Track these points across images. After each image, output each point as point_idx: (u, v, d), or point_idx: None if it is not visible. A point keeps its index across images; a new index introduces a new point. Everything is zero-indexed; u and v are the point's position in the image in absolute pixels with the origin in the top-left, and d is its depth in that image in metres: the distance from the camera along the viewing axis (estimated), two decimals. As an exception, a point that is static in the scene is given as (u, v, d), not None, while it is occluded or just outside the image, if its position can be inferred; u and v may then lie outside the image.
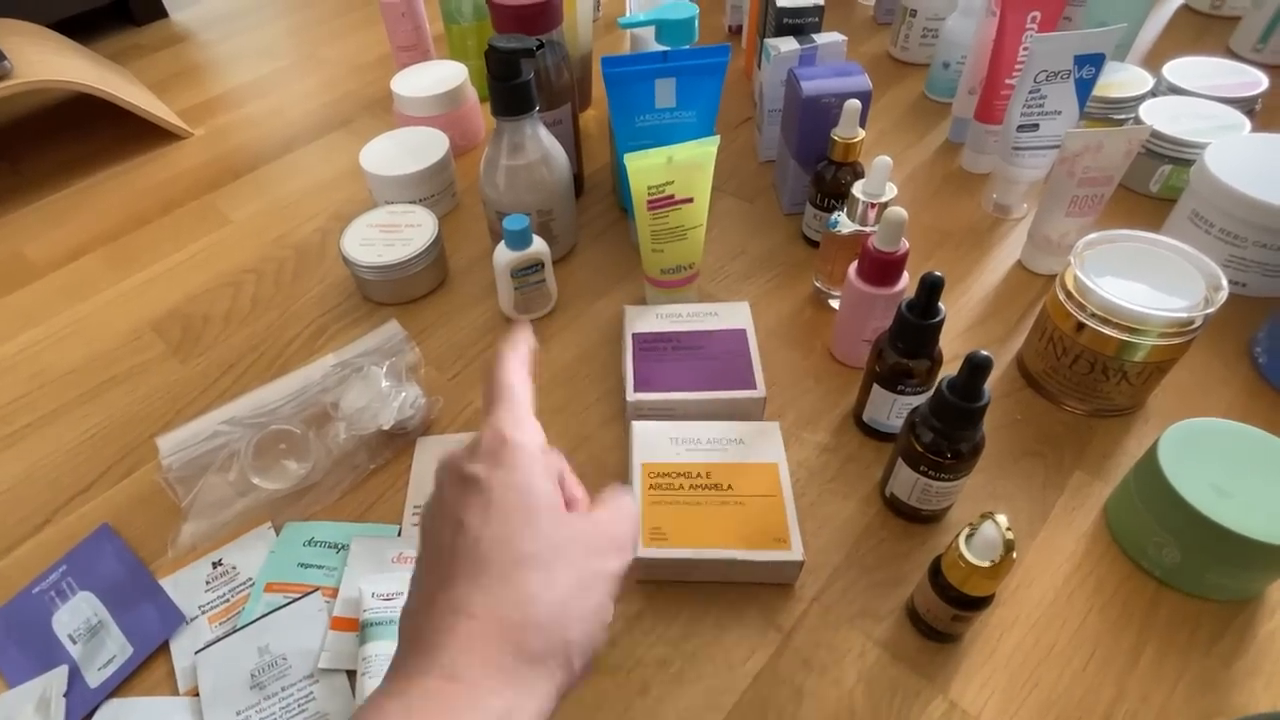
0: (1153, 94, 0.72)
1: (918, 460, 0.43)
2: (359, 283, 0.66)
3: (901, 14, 0.90)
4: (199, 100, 1.00)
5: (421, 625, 0.26)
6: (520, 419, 0.32)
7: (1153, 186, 0.69)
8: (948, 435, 0.42)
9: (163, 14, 1.22)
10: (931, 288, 0.43)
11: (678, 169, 0.54)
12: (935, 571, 0.40)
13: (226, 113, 0.97)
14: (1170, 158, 0.66)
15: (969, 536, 0.37)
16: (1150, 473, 0.42)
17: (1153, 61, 0.87)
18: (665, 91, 0.59)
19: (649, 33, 0.66)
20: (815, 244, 0.68)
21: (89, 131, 0.93)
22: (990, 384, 0.55)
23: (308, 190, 0.81)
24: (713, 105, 0.60)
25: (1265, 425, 0.44)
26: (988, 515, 0.36)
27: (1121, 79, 0.73)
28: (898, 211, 0.48)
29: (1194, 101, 0.69)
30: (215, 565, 0.49)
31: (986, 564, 0.36)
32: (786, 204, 0.72)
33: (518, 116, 0.59)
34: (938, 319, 0.44)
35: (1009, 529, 0.35)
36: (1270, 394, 0.53)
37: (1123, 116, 0.72)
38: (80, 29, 1.14)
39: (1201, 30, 0.93)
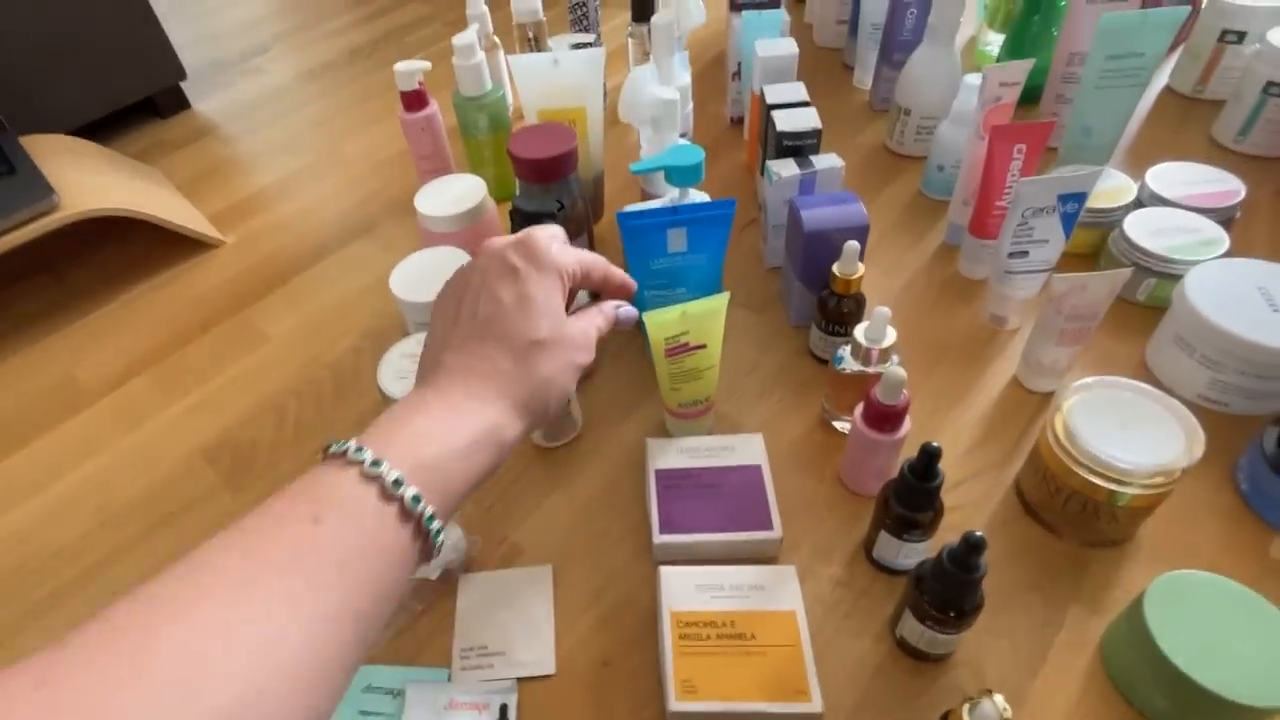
0: (1138, 201, 0.76)
1: (924, 615, 0.47)
2: (395, 411, 0.70)
3: (896, 110, 0.94)
4: (228, 203, 1.05)
5: (452, 362, 0.36)
6: (565, 247, 0.42)
7: (1139, 296, 0.73)
8: (949, 598, 0.46)
9: (186, 105, 1.28)
10: (929, 457, 0.47)
11: (691, 320, 0.58)
12: (943, 731, 0.44)
13: (255, 216, 1.02)
14: (1155, 272, 0.70)
15: (971, 708, 0.41)
16: (1138, 629, 0.46)
17: (1138, 151, 0.92)
18: (677, 239, 0.63)
19: (660, 174, 0.70)
20: (823, 360, 0.72)
21: (127, 239, 0.97)
22: (991, 509, 0.59)
23: (337, 304, 0.86)
24: (721, 249, 0.64)
25: (1250, 554, 0.48)
26: (987, 693, 0.40)
27: (1107, 188, 0.77)
28: (897, 372, 0.52)
29: (1175, 214, 0.73)
30: (281, 713, 0.53)
31: (987, 739, 0.40)
32: (794, 318, 0.76)
33: (542, 266, 0.64)
34: (936, 482, 0.49)
35: (1006, 710, 0.39)
36: (1254, 521, 0.57)
37: (1109, 223, 0.76)
38: (107, 125, 1.19)
39: (1184, 115, 0.97)
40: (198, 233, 0.95)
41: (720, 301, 0.59)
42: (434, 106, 0.92)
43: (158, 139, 1.20)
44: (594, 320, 0.43)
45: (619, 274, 0.47)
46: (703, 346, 0.60)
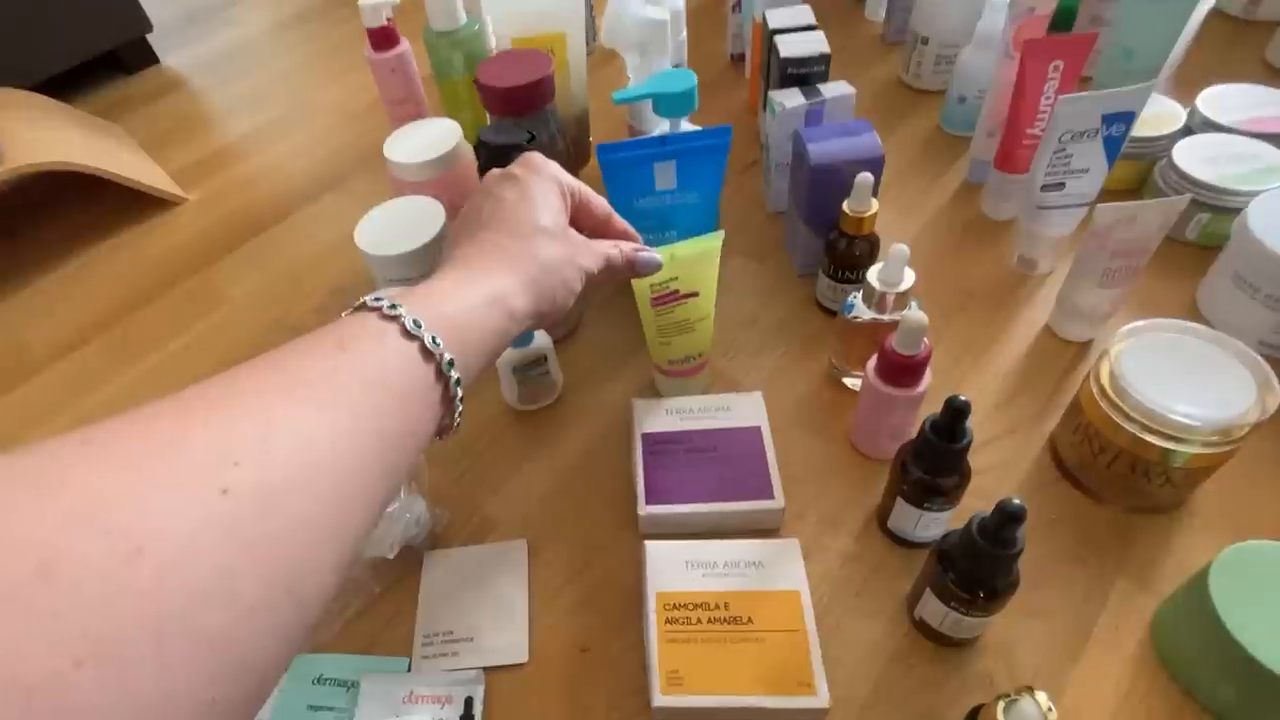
0: (1187, 129, 0.68)
1: (948, 596, 0.41)
2: (359, 374, 0.64)
3: (913, 39, 0.85)
4: (193, 158, 0.98)
5: (460, 252, 0.37)
6: (561, 168, 0.42)
7: (1190, 234, 0.65)
8: (980, 577, 0.39)
9: (154, 60, 1.20)
10: (957, 413, 0.40)
11: (681, 265, 0.51)
12: (972, 731, 0.37)
13: (221, 172, 0.95)
14: (1208, 205, 0.62)
15: (1007, 707, 0.34)
16: (1201, 608, 0.39)
17: (1184, 78, 0.82)
18: (665, 175, 0.56)
19: (648, 102, 0.63)
20: (831, 312, 0.65)
21: (87, 199, 0.91)
22: (1023, 472, 0.52)
23: (304, 262, 0.79)
24: (715, 185, 0.57)
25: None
26: (1027, 690, 0.34)
27: (1153, 114, 0.68)
28: (918, 317, 0.45)
29: (1231, 139, 0.65)
30: (223, 707, 0.47)
31: (1028, 744, 0.33)
32: (799, 265, 0.68)
33: (512, 207, 0.56)
34: (964, 443, 0.42)
35: (1051, 711, 0.33)
36: (1326, 482, 0.49)
37: (1155, 155, 0.68)
38: (71, 83, 1.12)
39: (1234, 38, 0.88)
40: (157, 189, 0.89)
41: (714, 242, 0.52)
42: (405, 45, 0.84)
43: (123, 94, 1.13)
44: (608, 246, 0.43)
45: (623, 222, 0.46)
46: (694, 295, 0.53)
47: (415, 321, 0.30)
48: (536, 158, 0.42)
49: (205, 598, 0.19)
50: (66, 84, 1.12)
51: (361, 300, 0.31)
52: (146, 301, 0.78)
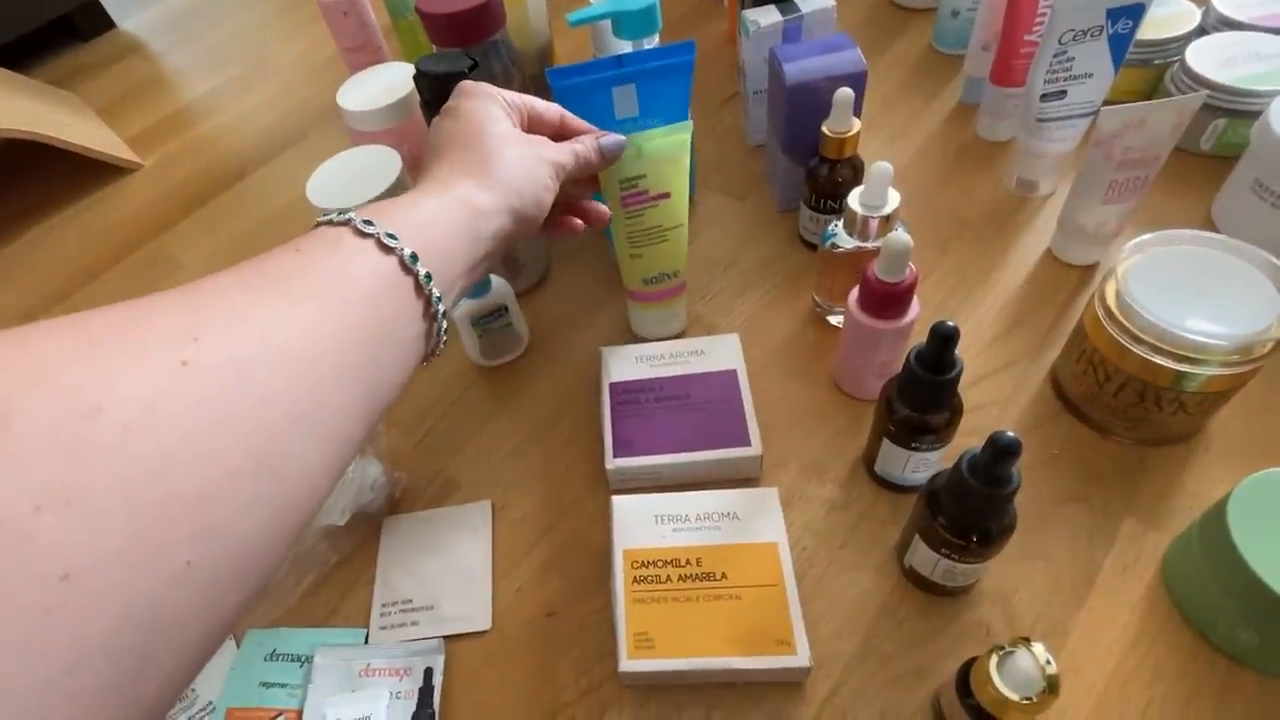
0: (1201, 30, 0.62)
1: (938, 542, 0.37)
2: (315, 336, 0.60)
3: (902, -47, 0.79)
4: (149, 123, 0.93)
5: (423, 178, 0.36)
6: (500, 89, 0.40)
7: (1204, 144, 0.59)
8: (972, 520, 0.36)
9: (110, 25, 1.15)
10: (944, 340, 0.36)
11: (649, 161, 0.47)
12: (965, 687, 0.34)
13: (178, 135, 0.90)
14: (1225, 109, 0.57)
15: (1000, 660, 0.31)
16: (1219, 543, 0.36)
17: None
18: (625, 100, 0.51)
19: (607, 25, 0.57)
20: (813, 246, 0.60)
21: (41, 170, 0.87)
22: (1023, 407, 0.48)
23: (260, 225, 0.75)
24: (682, 110, 0.52)
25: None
26: (1022, 641, 0.30)
27: (1163, 15, 0.62)
28: (901, 238, 0.40)
29: (1251, 37, 0.59)
30: (174, 687, 0.45)
31: (1021, 700, 0.30)
32: (780, 200, 0.64)
33: (460, 144, 0.52)
34: (953, 373, 0.37)
35: (1049, 662, 0.29)
36: (1356, 404, 0.45)
37: (1165, 61, 0.62)
38: (26, 51, 1.08)
39: (1254, -66, 0.81)
40: (109, 155, 0.84)
41: (681, 135, 0.47)
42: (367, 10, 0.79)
43: (79, 62, 1.08)
44: (572, 142, 0.42)
45: (578, 119, 0.44)
46: (665, 196, 0.48)
47: (366, 220, 0.29)
48: (470, 84, 0.40)
49: (174, 458, 0.19)
50: (21, 53, 1.07)
51: (327, 217, 0.30)
52: (103, 270, 0.75)
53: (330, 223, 0.29)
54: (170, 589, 0.19)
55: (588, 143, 0.42)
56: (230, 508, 0.20)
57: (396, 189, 0.66)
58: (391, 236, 0.29)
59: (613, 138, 0.44)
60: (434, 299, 0.30)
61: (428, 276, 0.29)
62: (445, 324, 0.31)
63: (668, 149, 0.47)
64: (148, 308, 0.22)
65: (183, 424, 0.19)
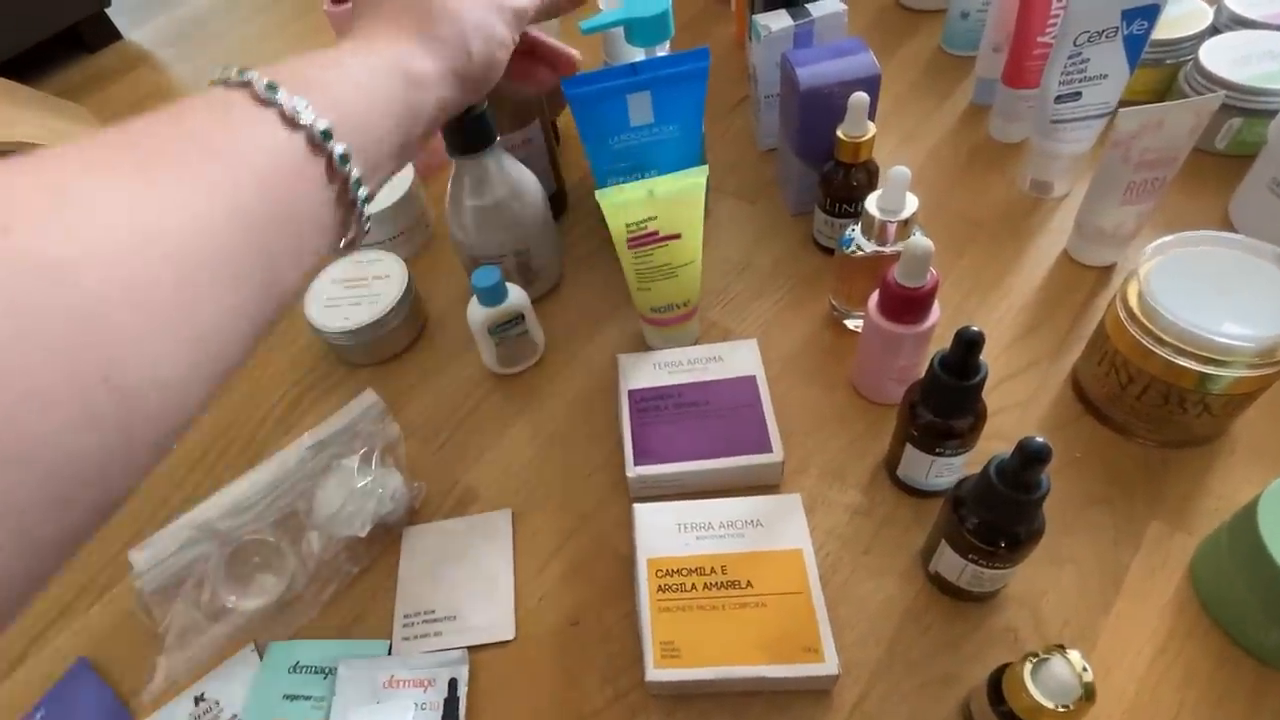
0: (1214, 29, 0.62)
1: (966, 548, 0.37)
2: (330, 345, 0.60)
3: (909, -45, 0.79)
4: (158, 135, 0.93)
5: (358, 26, 0.31)
6: None
7: (1219, 143, 0.59)
8: (1001, 525, 0.35)
9: (117, 36, 1.15)
10: (969, 345, 0.36)
11: (660, 203, 0.47)
12: (997, 694, 0.34)
13: (186, 147, 0.90)
14: (1240, 109, 0.57)
15: (1035, 668, 0.31)
16: (1249, 544, 0.35)
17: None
18: (640, 107, 0.51)
19: (619, 32, 0.57)
20: (829, 250, 0.60)
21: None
22: (1044, 409, 0.48)
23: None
24: (697, 116, 0.52)
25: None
26: (1057, 648, 0.30)
27: (1175, 14, 0.62)
28: (921, 243, 0.40)
29: (1264, 35, 0.59)
30: (198, 701, 0.45)
31: (1058, 708, 0.30)
32: (793, 204, 0.64)
33: (476, 154, 0.52)
34: (978, 379, 0.37)
35: (1086, 669, 0.29)
36: (1381, 403, 0.45)
37: (1178, 60, 0.62)
38: (33, 64, 1.08)
39: (1262, -68, 0.80)
40: (119, 167, 0.85)
41: (697, 178, 0.47)
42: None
43: (87, 74, 1.09)
44: None
45: None
46: (676, 237, 0.48)
47: (297, 108, 0.24)
48: None
49: None
50: (28, 65, 1.08)
51: (223, 75, 0.25)
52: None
53: (225, 83, 0.24)
54: None
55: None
56: (46, 429, 0.17)
57: (407, 201, 0.66)
58: (301, 108, 0.24)
59: None
60: (352, 183, 0.26)
61: (343, 158, 0.25)
62: (367, 210, 0.27)
63: (680, 193, 0.47)
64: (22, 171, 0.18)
65: None
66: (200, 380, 0.21)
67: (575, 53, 0.41)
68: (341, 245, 0.27)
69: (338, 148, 0.25)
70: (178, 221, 0.21)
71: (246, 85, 0.24)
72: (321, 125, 0.24)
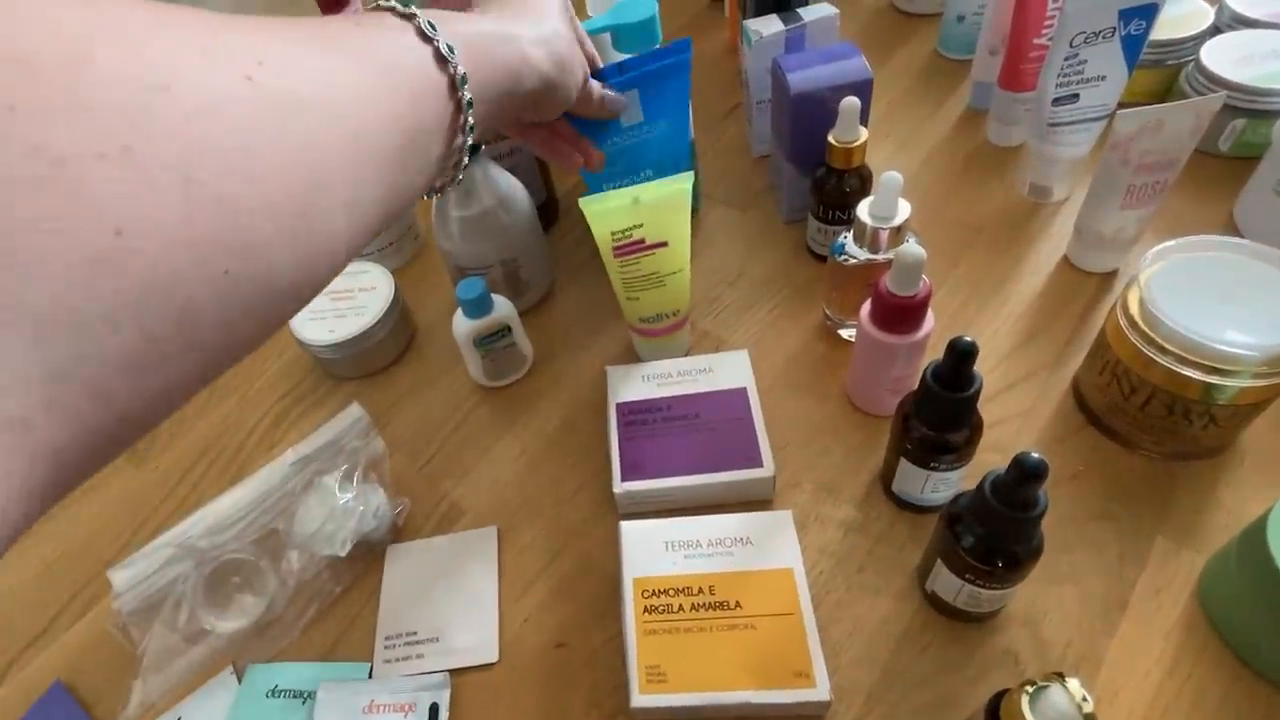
0: (1216, 29, 0.61)
1: (962, 568, 0.36)
2: (316, 358, 0.59)
3: (904, -42, 0.78)
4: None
5: (486, 5, 0.35)
6: None
7: (1222, 145, 0.58)
8: (997, 544, 0.34)
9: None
10: (962, 356, 0.35)
11: (645, 210, 0.46)
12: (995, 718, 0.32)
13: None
14: (1244, 110, 0.55)
15: (1033, 697, 0.29)
16: (1259, 562, 0.34)
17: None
18: (630, 107, 0.49)
19: (606, 39, 0.56)
20: (822, 258, 0.59)
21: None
22: (1044, 420, 0.47)
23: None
24: (683, 110, 0.51)
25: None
26: (1056, 676, 0.29)
27: (1175, 14, 0.61)
28: (913, 251, 0.39)
29: (1267, 35, 0.57)
30: (174, 726, 0.44)
31: (1060, 739, 0.28)
32: (786, 211, 0.62)
33: (459, 163, 0.51)
34: (971, 390, 0.36)
35: (1086, 699, 0.28)
36: (1394, 412, 0.43)
37: (1179, 61, 0.61)
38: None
39: (1263, -69, 0.79)
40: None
41: (682, 185, 0.46)
42: (357, 5, 0.78)
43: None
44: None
45: (592, 49, 0.44)
46: (663, 245, 0.47)
47: (430, 24, 0.28)
48: None
49: (229, 165, 0.19)
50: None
51: (390, 3, 0.29)
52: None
53: (394, 11, 0.29)
54: (206, 287, 0.18)
55: (595, 85, 0.43)
56: (266, 234, 0.20)
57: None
58: (451, 50, 0.29)
59: (615, 95, 0.45)
60: (465, 104, 0.29)
61: (463, 79, 0.29)
62: (466, 160, 0.31)
63: (666, 198, 0.46)
64: (219, 21, 0.21)
65: (241, 134, 0.19)
66: (346, 244, 0.24)
67: (602, 155, 0.47)
68: (444, 174, 0.30)
69: (460, 69, 0.28)
70: (368, 105, 0.24)
71: (411, 19, 0.28)
72: (462, 71, 0.28)
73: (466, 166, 0.32)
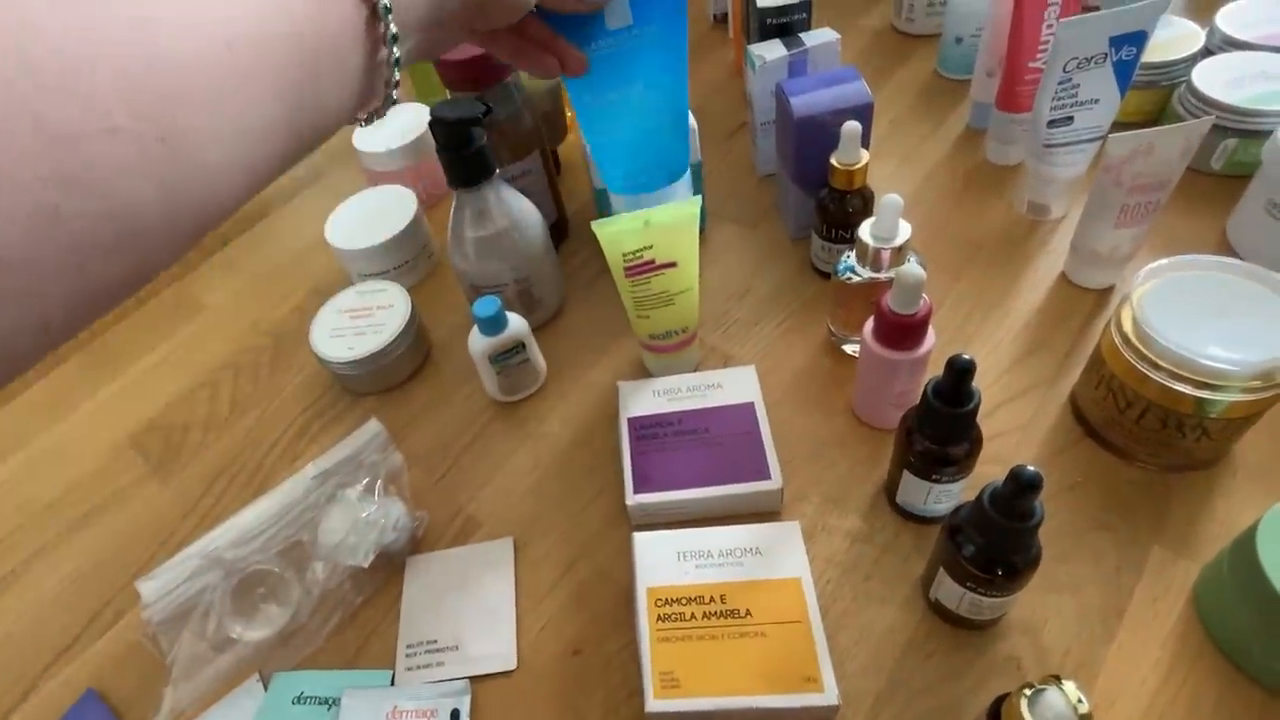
0: (1206, 51, 0.62)
1: (963, 576, 0.37)
2: (335, 375, 0.61)
3: (904, -19, 0.80)
4: (170, 167, 0.95)
5: None
6: None
7: (1215, 164, 0.59)
8: (997, 554, 0.35)
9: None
10: (961, 373, 0.36)
11: (656, 232, 0.47)
12: (996, 724, 0.33)
13: (197, 179, 0.92)
14: (1234, 130, 0.57)
15: (1031, 699, 0.31)
16: (1250, 571, 0.35)
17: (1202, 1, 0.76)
18: (617, 6, 0.44)
19: None
20: (827, 275, 0.61)
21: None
22: (1043, 433, 0.48)
23: (282, 264, 0.77)
24: (680, 10, 0.46)
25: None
26: (1053, 679, 0.30)
27: (1167, 37, 0.63)
28: (913, 271, 0.41)
29: (1257, 57, 0.59)
30: (203, 733, 0.45)
31: (1058, 740, 0.30)
32: (792, 229, 0.64)
33: (475, 186, 0.53)
34: (970, 406, 0.37)
35: (1081, 700, 0.29)
36: (1383, 424, 0.45)
37: (1172, 82, 0.62)
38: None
39: (1255, -48, 0.81)
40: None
41: (690, 208, 0.48)
42: (370, 30, 0.81)
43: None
44: None
45: None
46: (673, 265, 0.49)
47: None
48: None
49: (49, 85, 0.17)
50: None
51: None
52: (125, 314, 0.76)
53: None
54: (28, 224, 0.17)
55: None
56: (106, 162, 0.18)
57: (413, 229, 0.68)
58: None
59: None
60: (389, 37, 0.27)
61: (386, 9, 0.26)
62: (398, 76, 0.28)
63: (676, 221, 0.47)
64: None
65: (67, 52, 0.17)
66: (236, 181, 0.22)
67: (584, 57, 0.43)
68: (364, 115, 0.28)
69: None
70: (245, 13, 0.22)
71: None
72: None
73: (397, 85, 0.29)
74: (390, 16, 0.27)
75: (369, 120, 0.29)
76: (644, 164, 0.52)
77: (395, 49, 0.27)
